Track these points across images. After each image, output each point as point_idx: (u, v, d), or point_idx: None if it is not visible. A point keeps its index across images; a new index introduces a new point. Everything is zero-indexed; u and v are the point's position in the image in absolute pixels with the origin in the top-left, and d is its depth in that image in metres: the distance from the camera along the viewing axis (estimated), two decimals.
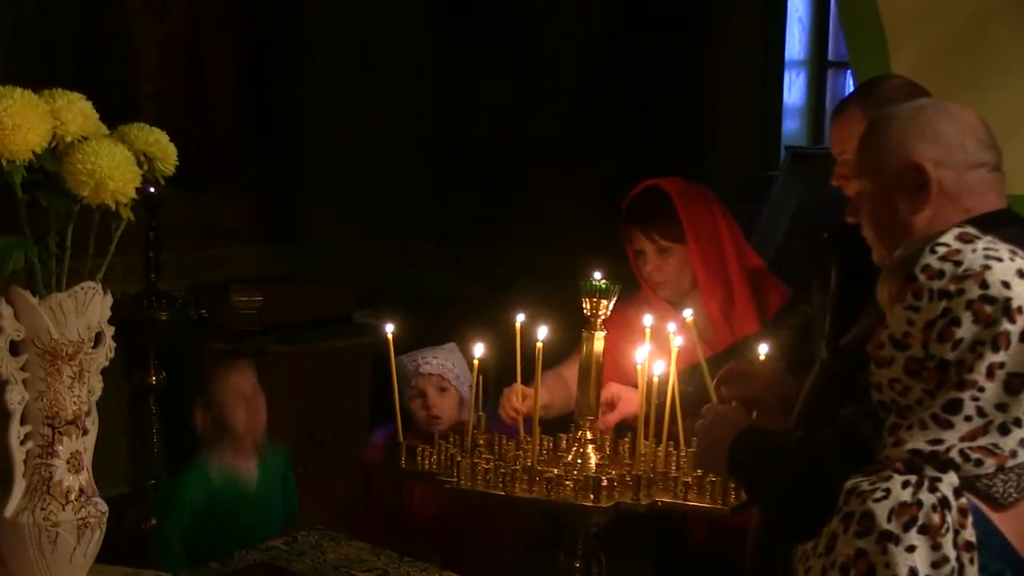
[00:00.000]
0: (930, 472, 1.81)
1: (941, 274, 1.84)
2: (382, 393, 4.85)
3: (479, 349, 3.17)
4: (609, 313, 3.20)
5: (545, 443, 3.32)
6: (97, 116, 2.44)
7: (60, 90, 2.39)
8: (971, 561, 1.75)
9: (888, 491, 1.78)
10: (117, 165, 2.35)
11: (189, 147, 6.09)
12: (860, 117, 3.15)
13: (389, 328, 3.20)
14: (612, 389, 3.42)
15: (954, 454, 1.81)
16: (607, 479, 2.97)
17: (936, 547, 1.75)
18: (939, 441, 1.82)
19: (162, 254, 5.44)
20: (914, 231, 2.49)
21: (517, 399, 3.41)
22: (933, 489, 1.78)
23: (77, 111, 2.38)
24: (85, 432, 2.47)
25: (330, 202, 6.82)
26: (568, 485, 2.97)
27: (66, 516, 2.42)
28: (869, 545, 1.76)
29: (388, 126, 6.99)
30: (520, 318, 3.15)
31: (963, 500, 1.79)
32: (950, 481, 1.80)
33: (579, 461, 3.15)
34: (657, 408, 3.09)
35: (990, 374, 1.80)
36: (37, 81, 2.47)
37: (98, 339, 2.48)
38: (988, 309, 1.81)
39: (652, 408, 3.06)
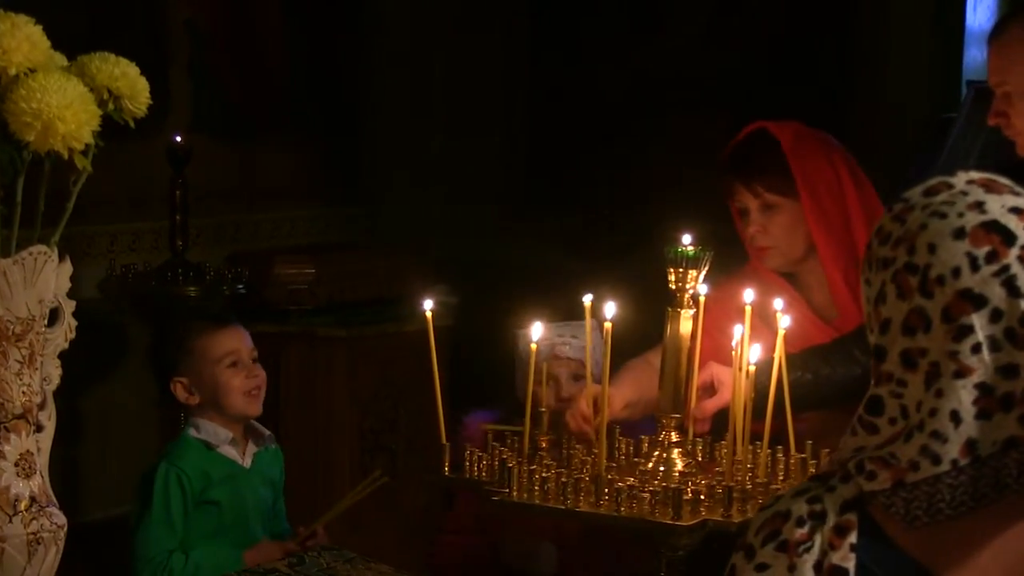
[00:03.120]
0: (834, 481, 1.73)
1: (887, 238, 1.73)
2: (461, 386, 4.86)
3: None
4: (704, 287, 3.17)
5: (624, 446, 3.30)
6: (48, 44, 2.42)
7: (1, 11, 2.38)
8: None
9: (779, 498, 1.74)
10: (69, 103, 2.33)
11: (230, 88, 6.24)
12: None
13: (428, 305, 3.18)
14: (712, 370, 3.36)
15: (851, 465, 1.71)
16: (691, 491, 2.93)
17: (791, 567, 1.67)
18: (861, 449, 1.72)
19: (197, 218, 5.50)
20: None
21: (588, 405, 3.36)
22: (813, 500, 1.70)
23: (22, 37, 2.36)
24: (39, 428, 2.47)
25: (402, 157, 6.82)
26: (645, 498, 2.93)
27: (13, 530, 2.42)
28: (737, 560, 1.73)
29: (473, 65, 6.97)
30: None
31: (849, 516, 1.68)
32: (843, 492, 1.70)
33: (661, 469, 3.10)
34: (758, 402, 3.02)
35: (910, 364, 1.67)
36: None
37: (55, 316, 2.48)
38: (910, 280, 1.68)
39: (749, 403, 2.99)
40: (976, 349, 1.62)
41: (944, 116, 6.08)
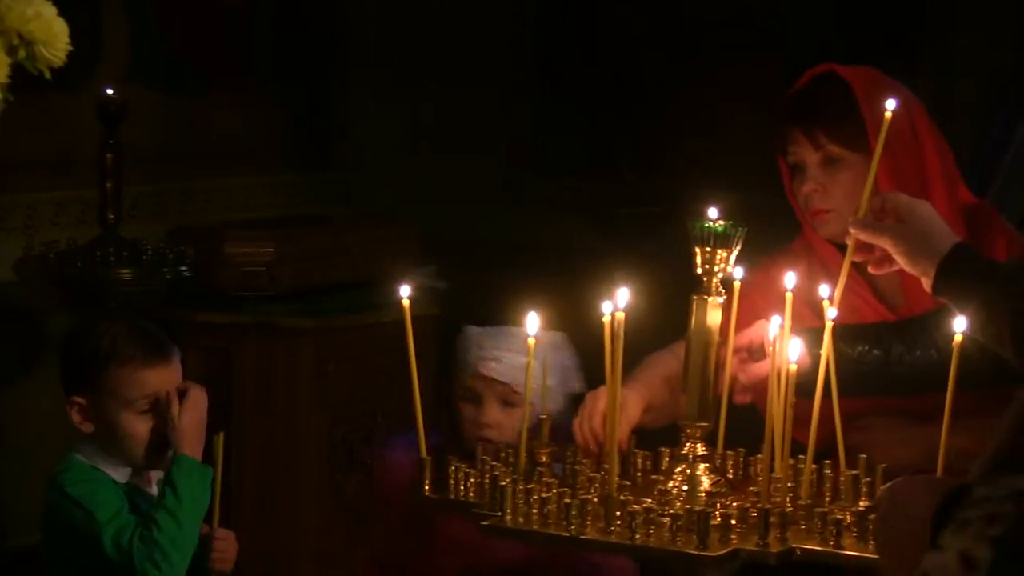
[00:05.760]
0: None
1: None
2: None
3: (533, 323, 3.14)
4: (739, 271, 3.18)
5: (640, 461, 3.31)
6: None
7: None
8: None
9: None
10: None
11: (175, 30, 6.24)
12: None
13: (405, 291, 3.17)
14: (761, 330, 3.31)
15: None
16: (720, 514, 2.93)
17: None
18: None
19: (134, 186, 5.50)
20: None
21: (600, 418, 3.36)
22: None
23: None
24: None
25: (384, 111, 6.83)
26: (665, 523, 2.93)
27: None
28: None
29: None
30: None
31: None
32: None
33: (684, 488, 3.10)
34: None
35: None
36: None
37: None
38: None
39: (790, 409, 2.99)
40: None
41: None
